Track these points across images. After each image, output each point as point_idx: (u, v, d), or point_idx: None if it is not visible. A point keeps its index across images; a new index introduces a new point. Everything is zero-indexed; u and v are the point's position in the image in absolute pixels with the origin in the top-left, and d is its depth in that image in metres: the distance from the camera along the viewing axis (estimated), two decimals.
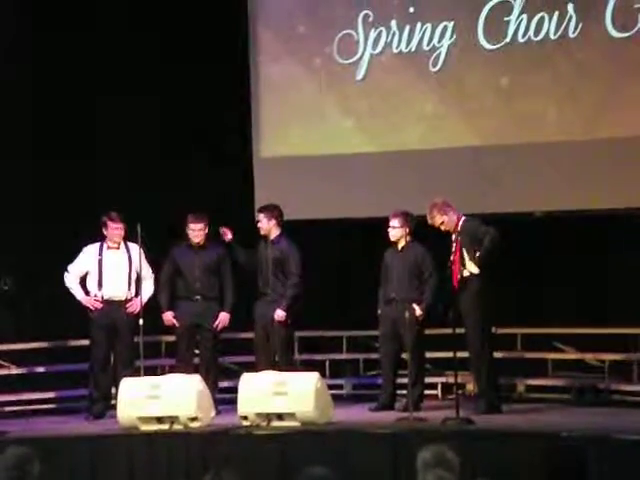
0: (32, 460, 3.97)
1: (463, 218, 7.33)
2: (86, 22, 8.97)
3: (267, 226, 7.74)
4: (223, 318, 7.77)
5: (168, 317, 7.78)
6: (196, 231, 7.77)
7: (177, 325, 7.80)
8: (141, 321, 7.47)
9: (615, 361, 8.05)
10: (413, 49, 8.73)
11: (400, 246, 7.64)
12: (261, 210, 7.85)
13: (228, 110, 9.03)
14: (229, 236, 7.76)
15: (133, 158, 8.93)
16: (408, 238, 7.62)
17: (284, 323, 7.65)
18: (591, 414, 7.32)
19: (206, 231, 7.81)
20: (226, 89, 8.97)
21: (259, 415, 6.79)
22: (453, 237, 7.32)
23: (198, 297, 7.78)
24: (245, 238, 7.90)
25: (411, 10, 8.70)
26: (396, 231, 7.59)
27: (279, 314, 7.63)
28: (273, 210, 7.76)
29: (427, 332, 7.84)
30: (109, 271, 7.69)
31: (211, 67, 8.91)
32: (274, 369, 7.25)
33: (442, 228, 7.34)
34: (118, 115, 8.87)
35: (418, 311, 7.47)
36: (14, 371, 8.47)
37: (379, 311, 7.68)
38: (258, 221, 7.79)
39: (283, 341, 7.68)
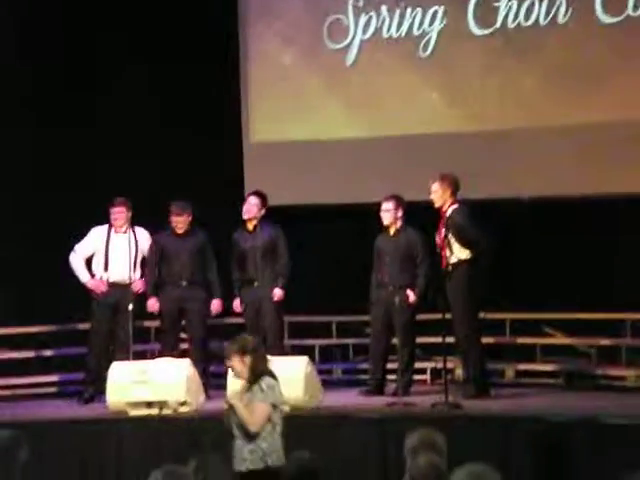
0: (19, 444, 3.97)
1: (455, 206, 7.30)
2: None
3: (258, 214, 7.73)
4: (217, 306, 7.77)
5: (152, 303, 7.77)
6: (179, 222, 7.77)
7: (160, 311, 7.79)
8: (130, 306, 7.49)
9: (604, 346, 8.07)
10: (403, 34, 8.71)
11: (392, 231, 7.64)
12: (256, 195, 7.78)
13: (219, 95, 9.01)
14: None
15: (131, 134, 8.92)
16: (400, 222, 7.61)
17: (280, 303, 7.65)
18: (579, 398, 7.35)
19: (189, 219, 7.80)
20: (215, 75, 8.94)
21: None
22: (440, 221, 7.32)
23: (184, 282, 7.79)
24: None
25: None
26: (389, 214, 7.58)
27: (278, 293, 7.64)
28: (266, 200, 7.75)
29: (417, 318, 7.86)
30: (115, 254, 7.73)
31: (201, 50, 8.88)
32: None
33: (431, 197, 7.31)
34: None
35: (412, 297, 7.47)
36: (6, 355, 8.46)
37: (371, 296, 7.69)
38: (249, 203, 7.72)
39: (276, 325, 7.69)
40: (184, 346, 7.92)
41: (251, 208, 7.74)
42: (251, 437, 5.00)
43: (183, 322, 7.85)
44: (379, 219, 7.63)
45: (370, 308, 7.69)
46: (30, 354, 8.45)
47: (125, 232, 7.76)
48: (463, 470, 3.18)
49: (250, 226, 7.77)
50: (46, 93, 8.79)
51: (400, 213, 7.58)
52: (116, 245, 7.75)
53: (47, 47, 8.80)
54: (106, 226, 7.79)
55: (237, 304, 7.77)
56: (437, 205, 7.32)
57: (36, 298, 8.46)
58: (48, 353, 8.48)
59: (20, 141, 8.71)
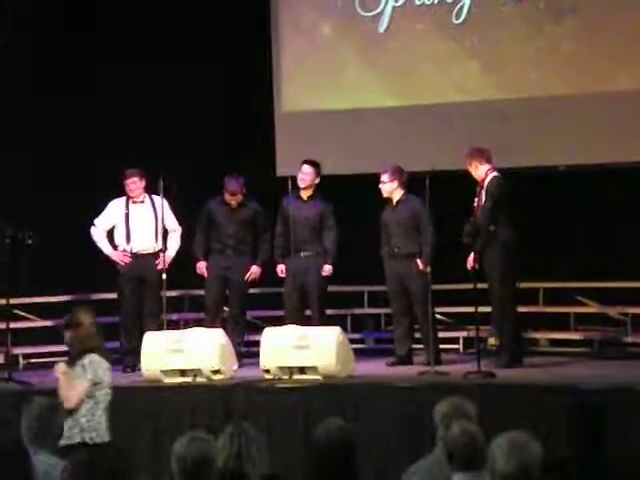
0: (57, 410, 4.03)
1: (492, 174, 7.26)
2: None
3: (312, 182, 7.72)
4: (255, 270, 7.81)
5: (201, 266, 7.81)
6: (232, 196, 7.77)
7: (207, 276, 7.83)
8: (164, 276, 7.53)
9: (637, 314, 8.01)
10: (436, 1, 8.62)
11: (394, 202, 7.60)
12: (311, 164, 7.75)
13: (249, 66, 8.98)
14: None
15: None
16: (401, 192, 7.56)
17: (326, 277, 7.69)
18: (613, 367, 7.31)
19: (243, 192, 7.79)
20: (247, 46, 8.91)
21: (281, 368, 6.83)
22: (477, 189, 7.28)
23: (230, 251, 7.82)
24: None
25: None
26: (386, 186, 7.55)
27: (327, 269, 7.68)
28: (319, 168, 7.75)
29: (449, 287, 7.85)
30: (136, 225, 7.74)
31: (232, 23, 8.86)
32: (305, 324, 7.29)
33: (473, 175, 7.29)
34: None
35: (421, 265, 7.44)
36: (38, 323, 8.55)
37: (385, 269, 7.66)
38: (303, 172, 7.70)
39: (321, 297, 7.71)
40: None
41: (305, 177, 7.73)
42: (69, 412, 4.95)
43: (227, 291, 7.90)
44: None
45: (386, 281, 7.67)
46: (50, 323, 8.48)
47: (143, 202, 7.76)
48: (504, 438, 3.16)
49: (304, 195, 7.78)
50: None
51: (395, 184, 7.53)
52: (136, 216, 7.75)
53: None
54: (124, 198, 7.78)
55: (282, 269, 7.75)
56: (480, 180, 7.27)
57: (62, 268, 8.50)
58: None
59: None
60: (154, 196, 7.77)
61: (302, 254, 7.71)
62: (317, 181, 7.77)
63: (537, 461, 3.13)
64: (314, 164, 7.76)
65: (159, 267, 7.67)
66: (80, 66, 8.87)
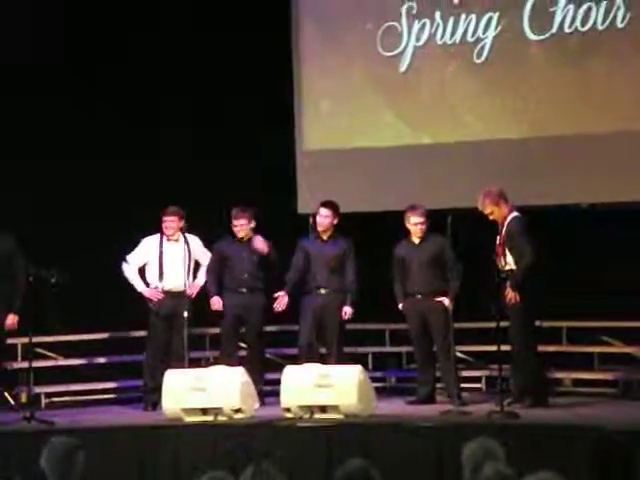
0: (78, 450, 4.01)
1: (513, 214, 7.23)
2: None
3: (330, 225, 7.72)
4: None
5: (216, 301, 7.80)
6: (239, 226, 7.80)
7: (222, 313, 7.82)
8: (185, 313, 7.54)
9: None
10: (457, 40, 8.66)
11: (419, 238, 7.58)
12: (329, 206, 7.75)
13: (271, 102, 9.04)
14: (266, 250, 7.76)
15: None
16: (423, 230, 7.54)
17: (347, 320, 7.65)
18: (638, 408, 7.22)
19: (251, 225, 7.83)
20: (269, 81, 8.98)
21: (302, 407, 6.80)
22: (499, 229, 7.26)
23: (244, 289, 7.82)
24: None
25: (455, 1, 8.63)
26: (423, 226, 7.54)
27: (349, 311, 7.62)
28: (338, 209, 7.75)
29: (471, 326, 7.80)
30: (169, 262, 7.78)
31: (254, 62, 8.93)
32: (322, 362, 7.27)
33: (490, 217, 7.27)
34: None
35: (447, 303, 7.39)
36: (61, 362, 8.56)
37: (400, 306, 7.63)
38: (321, 216, 7.73)
39: (339, 336, 7.65)
40: (242, 353, 7.95)
41: (323, 220, 7.74)
42: None
43: (242, 330, 7.88)
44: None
45: (407, 320, 7.67)
46: (86, 361, 8.55)
47: (177, 240, 7.81)
48: (533, 478, 3.12)
49: (324, 236, 7.78)
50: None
51: (336, 220, 7.60)
52: (169, 253, 7.80)
53: None
54: (157, 235, 7.84)
55: (283, 301, 7.65)
56: (500, 221, 7.25)
57: (91, 306, 8.54)
58: (102, 360, 8.58)
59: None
60: (188, 235, 7.84)
61: (322, 291, 7.69)
62: (336, 222, 7.77)
63: None
64: (332, 206, 7.76)
65: (189, 292, 7.71)
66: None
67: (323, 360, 7.46)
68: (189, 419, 6.89)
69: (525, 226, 7.21)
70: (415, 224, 7.57)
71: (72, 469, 4.01)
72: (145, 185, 8.77)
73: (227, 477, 3.30)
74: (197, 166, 8.93)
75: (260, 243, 7.80)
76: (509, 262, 7.18)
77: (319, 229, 7.78)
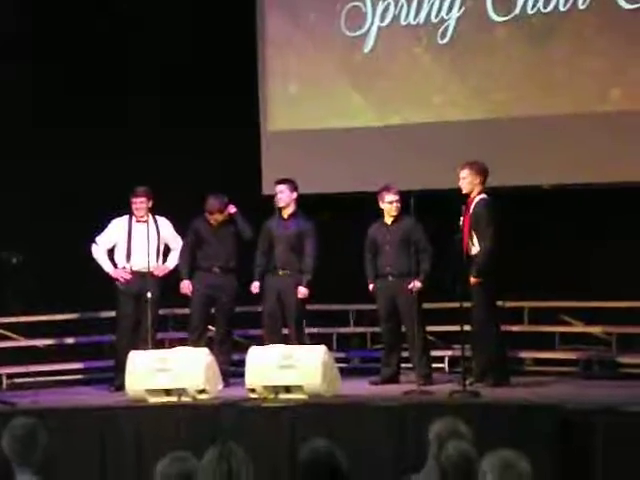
0: (39, 431, 3.99)
1: (481, 195, 7.26)
2: None
3: (289, 199, 7.72)
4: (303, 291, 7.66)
5: (186, 286, 7.79)
6: (211, 215, 7.77)
7: (191, 295, 7.82)
8: (149, 294, 7.51)
9: (623, 334, 8.03)
10: (421, 21, 8.66)
11: (391, 220, 7.60)
12: (283, 182, 7.77)
13: (236, 81, 8.99)
14: (232, 209, 7.78)
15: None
16: (399, 208, 7.57)
17: (306, 300, 7.65)
18: (598, 387, 7.31)
19: (223, 211, 7.81)
20: (234, 59, 8.93)
21: (266, 388, 6.81)
22: (463, 209, 7.27)
23: (217, 269, 7.80)
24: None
25: None
26: (398, 204, 7.55)
27: (303, 291, 7.63)
28: (294, 184, 7.75)
29: (435, 306, 7.85)
30: (138, 243, 7.76)
31: (219, 46, 8.88)
32: (284, 343, 7.27)
33: (460, 182, 7.26)
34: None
35: (418, 285, 7.42)
36: (23, 343, 8.49)
37: (371, 286, 7.66)
38: (277, 192, 7.74)
39: (299, 317, 7.68)
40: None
41: (280, 196, 7.74)
42: None
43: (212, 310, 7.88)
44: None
45: (376, 301, 7.72)
46: (54, 341, 8.49)
47: (146, 221, 7.78)
48: (494, 456, 3.15)
49: (285, 214, 7.77)
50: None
51: (294, 194, 7.62)
52: (138, 234, 7.77)
53: None
54: (126, 217, 7.83)
55: (256, 286, 7.73)
56: (466, 191, 7.27)
57: (60, 287, 8.47)
58: (71, 341, 8.54)
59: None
60: (158, 217, 7.82)
61: (280, 272, 7.69)
62: (294, 196, 7.75)
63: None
64: (287, 181, 7.77)
65: (156, 273, 7.67)
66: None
67: (286, 342, 7.48)
68: (153, 400, 6.87)
69: (491, 208, 7.25)
70: (390, 202, 7.57)
71: (33, 450, 3.99)
72: (113, 156, 8.68)
73: (190, 458, 3.29)
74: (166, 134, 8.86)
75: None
76: (475, 243, 7.22)
77: (279, 206, 7.77)
